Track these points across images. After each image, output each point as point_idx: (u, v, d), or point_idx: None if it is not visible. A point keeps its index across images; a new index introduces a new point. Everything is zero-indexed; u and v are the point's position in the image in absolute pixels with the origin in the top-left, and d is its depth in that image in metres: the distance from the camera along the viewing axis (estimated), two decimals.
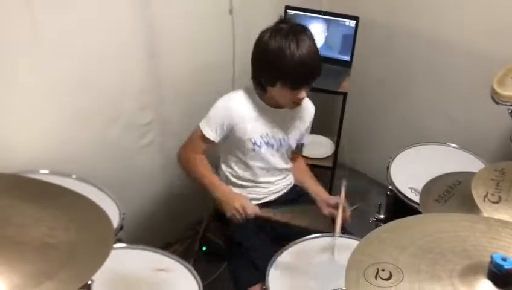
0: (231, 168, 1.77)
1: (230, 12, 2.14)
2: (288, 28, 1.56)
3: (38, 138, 1.70)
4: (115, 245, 1.44)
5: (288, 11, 2.38)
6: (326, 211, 1.68)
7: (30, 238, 0.88)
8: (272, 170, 1.76)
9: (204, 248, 2.34)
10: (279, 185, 1.82)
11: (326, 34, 2.35)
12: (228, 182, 1.78)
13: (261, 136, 1.69)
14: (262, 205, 1.76)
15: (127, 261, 1.40)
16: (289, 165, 1.84)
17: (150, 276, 1.37)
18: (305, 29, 1.59)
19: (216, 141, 1.67)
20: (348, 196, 1.63)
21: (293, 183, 1.87)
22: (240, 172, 1.76)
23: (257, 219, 1.58)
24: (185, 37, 2.04)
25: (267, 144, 1.71)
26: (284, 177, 1.83)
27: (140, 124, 2.02)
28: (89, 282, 0.98)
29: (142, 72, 1.95)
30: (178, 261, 1.42)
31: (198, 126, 1.67)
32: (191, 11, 2.01)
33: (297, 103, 1.64)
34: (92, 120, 1.83)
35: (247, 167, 1.74)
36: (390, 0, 2.41)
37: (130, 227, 1.58)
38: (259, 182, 1.77)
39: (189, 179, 1.71)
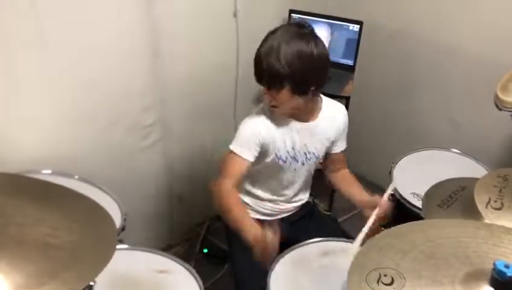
0: (249, 183, 1.73)
1: (235, 15, 2.15)
2: (280, 28, 1.51)
3: (40, 139, 1.71)
4: (117, 246, 1.44)
5: (292, 14, 2.38)
6: (367, 214, 1.58)
7: (33, 238, 0.88)
8: (292, 184, 1.72)
9: (205, 250, 2.35)
10: (292, 203, 1.79)
11: (330, 38, 2.35)
12: (247, 193, 1.76)
13: (287, 152, 1.63)
14: (274, 221, 1.73)
15: (128, 262, 1.40)
16: (310, 181, 1.79)
17: (151, 277, 1.37)
18: (298, 33, 1.48)
19: (252, 160, 1.58)
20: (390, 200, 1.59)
21: (306, 200, 1.83)
22: (257, 187, 1.73)
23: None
24: (189, 39, 2.04)
25: (293, 158, 1.65)
26: (300, 195, 1.80)
27: (143, 125, 2.03)
28: (91, 283, 0.98)
29: (145, 74, 1.95)
30: (179, 263, 1.42)
31: (230, 151, 1.58)
32: (195, 13, 2.02)
33: (271, 107, 1.56)
34: (94, 121, 1.84)
35: (267, 183, 1.71)
36: (394, 5, 2.41)
37: (132, 228, 1.58)
38: (272, 198, 1.75)
39: (222, 211, 1.61)
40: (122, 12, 1.78)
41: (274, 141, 1.61)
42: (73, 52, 1.68)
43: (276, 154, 1.63)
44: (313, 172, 1.77)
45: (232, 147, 1.58)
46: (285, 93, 1.50)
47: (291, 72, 1.45)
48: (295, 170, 1.69)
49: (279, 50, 1.44)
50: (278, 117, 1.60)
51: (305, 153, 1.67)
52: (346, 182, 1.78)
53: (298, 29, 1.49)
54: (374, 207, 1.57)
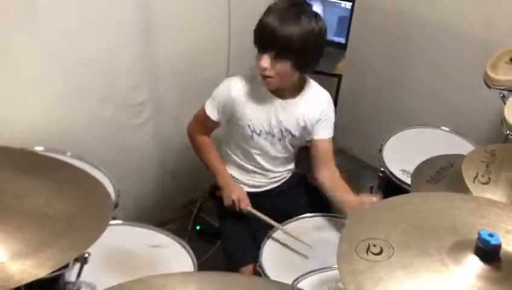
0: (233, 152, 1.76)
1: None
2: (286, 3, 1.54)
3: (32, 116, 1.70)
4: (110, 222, 1.45)
5: None
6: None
7: (29, 208, 0.89)
8: (272, 159, 1.74)
9: (198, 228, 2.36)
10: (278, 174, 1.80)
11: (322, 15, 2.34)
12: (229, 166, 1.78)
13: (261, 125, 1.65)
14: (264, 194, 1.79)
15: (122, 237, 1.42)
16: (291, 154, 1.78)
17: (144, 251, 1.39)
18: (301, 8, 1.53)
19: (217, 121, 1.68)
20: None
21: (293, 171, 1.84)
22: (240, 157, 1.75)
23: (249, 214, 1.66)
24: (180, 17, 2.03)
25: (268, 133, 1.67)
26: (285, 166, 1.81)
27: (135, 103, 2.02)
28: (86, 255, 1.00)
29: (136, 51, 1.94)
30: (172, 238, 1.44)
31: (204, 104, 1.69)
32: None
33: (263, 75, 1.55)
34: (85, 99, 1.83)
35: (247, 153, 1.73)
36: None
37: (124, 206, 1.59)
38: (259, 169, 1.76)
39: (196, 155, 1.79)
40: None
41: (249, 109, 1.63)
42: (64, 30, 1.67)
43: (249, 125, 1.65)
44: (293, 148, 1.77)
45: (206, 105, 1.69)
46: (286, 67, 1.53)
47: (303, 48, 1.50)
48: (272, 144, 1.70)
49: (295, 25, 1.48)
50: (261, 90, 1.63)
51: (281, 130, 1.67)
52: (334, 185, 1.65)
53: (304, 7, 1.55)
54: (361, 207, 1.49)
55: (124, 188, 1.60)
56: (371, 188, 1.90)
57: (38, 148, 1.63)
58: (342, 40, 2.37)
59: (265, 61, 1.51)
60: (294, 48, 1.49)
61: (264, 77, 1.56)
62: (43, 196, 0.91)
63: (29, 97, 1.67)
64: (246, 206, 1.65)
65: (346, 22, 2.33)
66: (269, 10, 1.53)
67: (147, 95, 2.04)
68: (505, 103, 1.59)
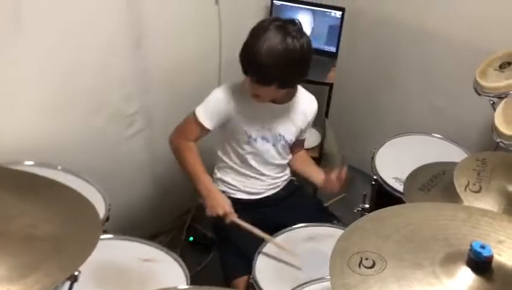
0: (229, 158, 1.75)
1: (217, 2, 2.13)
2: (277, 22, 1.51)
3: (21, 129, 1.68)
4: (101, 236, 1.44)
5: (274, 1, 2.38)
6: (325, 184, 1.73)
7: (14, 229, 0.87)
8: (268, 164, 1.75)
9: (191, 239, 2.35)
10: (276, 180, 1.81)
11: (312, 25, 2.36)
12: (226, 173, 1.78)
13: (256, 130, 1.67)
14: (260, 202, 1.79)
15: (113, 252, 1.40)
16: (286, 161, 1.81)
17: (136, 267, 1.37)
18: (284, 30, 1.49)
19: (211, 128, 1.64)
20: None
21: (289, 178, 1.86)
22: (237, 163, 1.75)
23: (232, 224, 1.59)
24: (171, 27, 2.02)
25: (263, 138, 1.69)
26: (281, 172, 1.82)
27: (126, 115, 2.01)
28: (76, 273, 0.98)
29: (127, 62, 1.93)
30: (165, 252, 1.42)
31: (193, 111, 1.64)
32: (177, 1, 2.00)
33: (254, 95, 1.59)
34: (76, 110, 1.82)
35: (243, 159, 1.72)
36: None
37: (116, 218, 1.58)
38: (256, 175, 1.76)
39: (179, 166, 1.71)
40: (102, 1, 1.75)
41: (243, 116, 1.64)
42: (53, 40, 1.65)
43: (246, 131, 1.66)
44: (286, 155, 1.79)
45: (196, 110, 1.64)
46: (271, 89, 1.55)
47: (283, 73, 1.51)
48: (267, 150, 1.71)
49: (272, 51, 1.46)
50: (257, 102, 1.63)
51: (275, 135, 1.70)
52: (301, 160, 1.86)
53: (288, 26, 1.50)
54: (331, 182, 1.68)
55: (115, 200, 1.59)
56: (364, 195, 1.90)
57: (28, 163, 1.62)
58: (333, 49, 2.37)
59: (251, 85, 1.55)
60: (275, 73, 1.50)
61: (253, 96, 1.60)
62: (30, 216, 0.90)
63: (18, 109, 1.66)
64: (234, 218, 1.59)
65: (337, 31, 2.34)
66: (252, 34, 1.51)
67: (137, 106, 2.03)
68: (495, 110, 1.59)
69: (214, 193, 1.63)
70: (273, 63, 1.47)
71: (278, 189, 1.82)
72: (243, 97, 1.63)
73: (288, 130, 1.72)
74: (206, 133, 1.67)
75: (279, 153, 1.75)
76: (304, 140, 1.87)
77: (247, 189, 1.77)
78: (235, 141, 1.70)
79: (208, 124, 1.64)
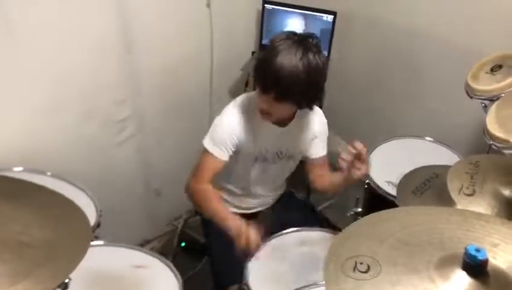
0: (225, 180, 1.72)
1: (208, 5, 2.13)
2: (296, 40, 1.43)
3: (11, 135, 1.66)
4: (92, 243, 1.42)
5: (266, 5, 2.37)
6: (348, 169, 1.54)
7: (4, 237, 0.85)
8: (267, 183, 1.74)
9: (183, 244, 2.34)
10: (269, 198, 1.81)
11: (304, 28, 2.36)
12: (222, 188, 1.75)
13: (260, 152, 1.63)
14: (252, 215, 1.76)
15: (105, 258, 1.39)
16: (284, 179, 1.80)
17: (128, 273, 1.36)
18: (306, 45, 1.42)
19: (227, 159, 1.56)
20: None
21: (283, 191, 1.86)
22: (233, 184, 1.73)
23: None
24: (162, 31, 2.02)
25: (265, 159, 1.65)
26: (279, 189, 1.82)
27: (117, 120, 2.00)
28: (66, 280, 0.96)
29: (118, 67, 1.92)
30: (157, 258, 1.41)
31: (205, 150, 1.56)
32: (168, 4, 1.99)
33: (262, 112, 1.52)
34: (66, 116, 1.80)
35: (242, 180, 1.70)
36: None
37: (108, 224, 1.56)
38: (250, 195, 1.75)
39: (202, 210, 1.65)
40: (93, 6, 1.74)
41: (248, 139, 1.59)
42: (43, 46, 1.64)
43: (251, 153, 1.63)
44: (289, 172, 1.77)
45: (207, 146, 1.56)
46: (286, 106, 1.48)
47: (304, 90, 1.43)
48: (270, 170, 1.69)
49: (295, 66, 1.39)
50: (258, 118, 1.57)
51: (276, 153, 1.66)
52: (324, 179, 1.75)
53: (308, 40, 1.44)
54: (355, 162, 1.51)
55: (106, 206, 1.58)
56: (357, 199, 1.90)
57: (17, 169, 1.60)
58: (325, 53, 2.37)
59: (265, 103, 1.47)
60: (297, 90, 1.42)
61: (263, 114, 1.52)
62: (20, 223, 0.88)
63: (6, 115, 1.64)
64: (256, 243, 1.46)
65: (328, 35, 2.34)
66: (273, 49, 1.42)
67: (128, 111, 2.02)
68: (486, 113, 1.59)
69: (242, 228, 1.47)
70: (296, 79, 1.40)
71: (269, 205, 1.82)
72: (246, 119, 1.58)
73: (290, 148, 1.67)
74: (223, 165, 1.58)
75: (283, 171, 1.74)
76: (323, 158, 1.75)
77: (239, 204, 1.77)
78: (238, 161, 1.64)
79: (223, 155, 1.56)
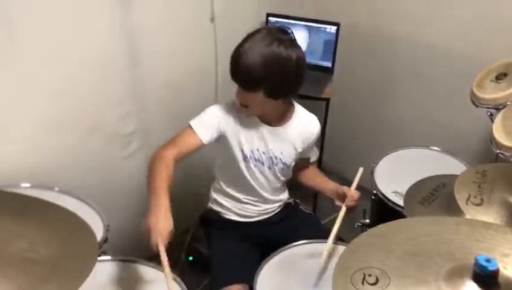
0: (225, 183, 1.73)
1: (212, 20, 2.14)
2: (270, 28, 1.52)
3: (18, 151, 1.67)
4: (100, 258, 1.42)
5: (269, 18, 2.39)
6: (337, 203, 1.64)
7: (10, 253, 0.85)
8: (263, 187, 1.72)
9: (190, 258, 2.32)
10: (270, 205, 1.78)
11: (307, 40, 2.37)
12: (220, 195, 1.76)
13: (251, 151, 1.63)
14: (255, 224, 1.76)
15: (112, 273, 1.38)
16: (282, 183, 1.78)
17: (136, 288, 1.35)
18: (276, 36, 1.47)
19: (205, 142, 1.55)
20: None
21: (285, 202, 1.83)
22: (233, 187, 1.73)
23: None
24: (167, 45, 2.03)
25: (257, 160, 1.65)
26: (278, 195, 1.79)
27: (123, 134, 2.01)
28: None
29: (123, 81, 1.93)
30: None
31: (188, 126, 1.56)
32: (172, 19, 2.01)
33: (243, 106, 1.56)
34: (73, 130, 1.81)
35: (240, 182, 1.69)
36: (371, 5, 2.43)
37: (115, 239, 1.56)
38: (250, 200, 1.74)
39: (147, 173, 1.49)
40: (98, 21, 1.76)
41: (237, 134, 1.60)
42: (49, 61, 1.66)
43: (242, 151, 1.62)
44: (284, 177, 1.76)
45: (192, 122, 1.57)
46: (258, 96, 1.50)
47: (268, 76, 1.45)
48: (262, 172, 1.68)
49: (257, 52, 1.44)
50: (246, 116, 1.61)
51: (271, 158, 1.66)
52: (310, 174, 1.84)
53: (279, 33, 1.49)
54: (340, 195, 1.62)
55: (114, 221, 1.58)
56: (364, 210, 1.89)
57: (25, 185, 1.61)
58: (329, 64, 2.38)
59: (238, 91, 1.53)
60: (259, 77, 1.45)
61: (241, 106, 1.57)
62: (27, 239, 0.88)
63: (13, 130, 1.65)
64: (156, 242, 1.32)
65: (332, 46, 2.35)
66: (244, 39, 1.49)
67: (134, 126, 2.03)
68: (493, 121, 1.59)
69: (156, 211, 1.37)
70: (258, 64, 1.43)
71: (271, 214, 1.79)
72: (239, 116, 1.61)
73: (285, 153, 1.67)
74: (198, 147, 1.55)
75: (275, 176, 1.71)
76: (308, 159, 1.84)
77: (239, 212, 1.76)
78: (232, 161, 1.65)
79: (203, 135, 1.55)
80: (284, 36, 1.49)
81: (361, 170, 1.67)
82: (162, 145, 1.54)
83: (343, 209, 1.58)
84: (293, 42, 1.51)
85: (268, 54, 1.44)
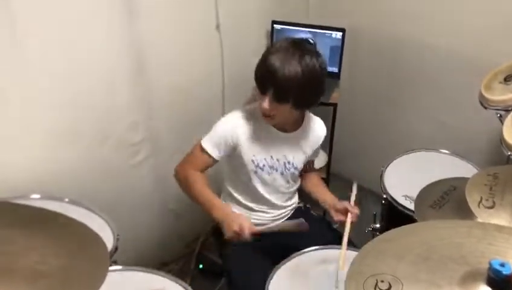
0: (235, 190, 1.74)
1: (217, 27, 2.15)
2: (292, 43, 1.52)
3: (27, 162, 1.68)
4: (110, 268, 1.42)
5: (275, 25, 2.39)
6: (336, 218, 1.65)
7: (21, 266, 0.85)
8: (274, 193, 1.73)
9: (201, 266, 2.32)
10: (282, 210, 1.79)
11: None
12: (231, 203, 1.76)
13: (264, 159, 1.65)
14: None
15: (123, 283, 1.38)
16: (294, 188, 1.80)
17: None
18: (302, 47, 1.51)
19: (217, 158, 1.61)
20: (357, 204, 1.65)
21: (296, 207, 1.85)
22: (243, 195, 1.73)
23: (254, 235, 1.51)
24: (173, 54, 2.04)
25: (271, 167, 1.67)
26: (288, 200, 1.80)
27: (132, 143, 2.01)
28: None
29: (130, 90, 1.94)
30: (174, 281, 1.40)
31: (200, 142, 1.62)
32: (178, 28, 2.02)
33: (264, 114, 1.57)
34: (81, 141, 1.82)
35: (250, 190, 1.70)
36: (376, 10, 2.43)
37: (125, 248, 1.56)
38: (261, 208, 1.74)
39: (188, 196, 1.66)
40: (105, 30, 1.77)
41: (250, 144, 1.62)
42: (57, 71, 1.67)
43: (253, 160, 1.63)
44: (294, 182, 1.78)
45: (203, 142, 1.61)
46: (286, 107, 1.53)
47: (301, 90, 1.49)
48: (275, 179, 1.69)
49: (295, 65, 1.46)
50: (263, 125, 1.62)
51: (284, 163, 1.68)
52: (312, 181, 1.85)
53: (305, 45, 1.52)
54: (340, 210, 1.64)
55: (124, 230, 1.58)
56: (374, 215, 1.88)
57: (35, 196, 1.61)
58: (335, 70, 2.38)
59: (266, 102, 1.52)
60: (294, 89, 1.48)
61: (265, 116, 1.57)
62: (37, 251, 0.88)
63: (21, 141, 1.65)
64: (250, 229, 1.47)
65: (338, 51, 2.35)
66: (270, 51, 1.51)
67: (143, 134, 2.03)
68: (502, 123, 1.58)
69: (229, 214, 1.54)
70: (297, 77, 1.46)
71: (283, 220, 1.79)
72: (251, 125, 1.62)
73: (297, 158, 1.70)
74: (213, 163, 1.64)
75: (287, 181, 1.74)
76: (313, 161, 1.87)
77: (252, 220, 1.75)
78: (242, 169, 1.66)
79: (215, 154, 1.61)
80: (311, 47, 1.53)
81: (355, 184, 1.71)
82: (180, 164, 1.66)
83: (348, 223, 1.59)
84: (319, 53, 1.54)
85: (304, 67, 1.47)
